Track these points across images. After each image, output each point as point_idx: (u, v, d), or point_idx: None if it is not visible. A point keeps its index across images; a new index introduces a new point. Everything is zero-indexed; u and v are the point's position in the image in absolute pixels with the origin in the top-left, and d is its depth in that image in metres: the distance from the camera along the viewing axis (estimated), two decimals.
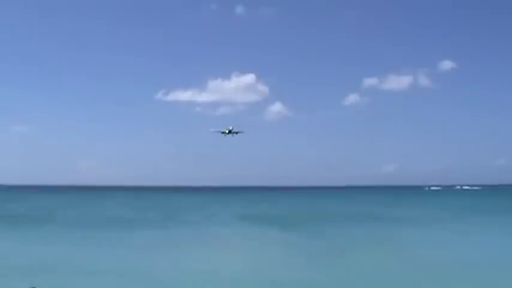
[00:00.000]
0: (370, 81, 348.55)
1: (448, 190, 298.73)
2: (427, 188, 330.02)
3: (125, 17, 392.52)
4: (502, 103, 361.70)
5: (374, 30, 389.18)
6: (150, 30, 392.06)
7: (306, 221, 77.36)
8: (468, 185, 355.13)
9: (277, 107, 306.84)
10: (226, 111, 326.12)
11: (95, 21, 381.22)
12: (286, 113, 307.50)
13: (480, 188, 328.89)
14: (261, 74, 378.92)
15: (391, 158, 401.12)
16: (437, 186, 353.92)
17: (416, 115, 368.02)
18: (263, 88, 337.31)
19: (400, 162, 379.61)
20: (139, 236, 58.01)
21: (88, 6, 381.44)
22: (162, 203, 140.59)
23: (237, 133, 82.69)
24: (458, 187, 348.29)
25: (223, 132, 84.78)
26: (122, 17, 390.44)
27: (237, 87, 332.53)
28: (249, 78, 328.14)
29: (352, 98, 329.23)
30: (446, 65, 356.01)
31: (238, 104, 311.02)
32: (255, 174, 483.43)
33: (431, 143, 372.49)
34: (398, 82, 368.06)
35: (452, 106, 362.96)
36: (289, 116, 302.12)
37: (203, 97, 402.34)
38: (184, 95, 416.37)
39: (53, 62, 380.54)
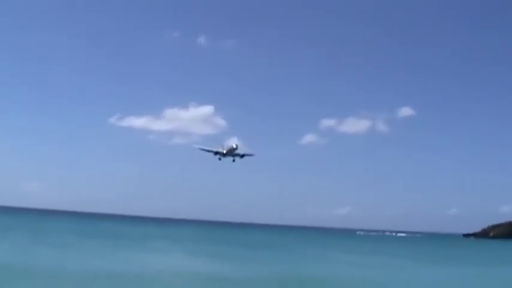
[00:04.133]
0: (328, 122, 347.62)
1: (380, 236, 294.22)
2: (359, 233, 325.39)
3: (86, 36, 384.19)
4: (459, 152, 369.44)
5: (336, 71, 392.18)
6: (109, 52, 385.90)
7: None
8: (405, 232, 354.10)
9: (233, 142, 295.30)
10: (180, 142, 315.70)
11: (54, 37, 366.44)
12: (241, 149, 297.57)
13: (420, 235, 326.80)
14: (219, 107, 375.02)
15: (345, 200, 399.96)
16: (372, 231, 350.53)
17: (372, 159, 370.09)
18: (220, 121, 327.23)
19: (354, 206, 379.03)
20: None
21: (49, 22, 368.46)
22: (105, 232, 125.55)
23: (242, 156, 68.57)
24: (388, 233, 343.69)
25: (217, 153, 71.52)
26: (82, 36, 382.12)
27: (194, 118, 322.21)
28: (207, 110, 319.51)
29: (309, 138, 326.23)
30: (405, 111, 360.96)
31: (194, 135, 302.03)
32: (208, 208, 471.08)
33: (386, 188, 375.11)
34: (356, 125, 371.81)
35: (408, 153, 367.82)
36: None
37: (158, 125, 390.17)
38: (138, 121, 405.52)
39: (4, 77, 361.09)
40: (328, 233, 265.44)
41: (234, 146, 67.14)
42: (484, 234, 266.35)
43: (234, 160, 67.94)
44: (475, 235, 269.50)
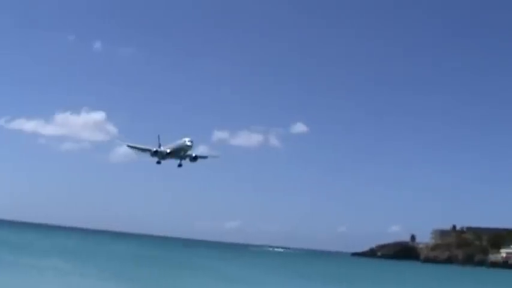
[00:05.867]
0: (220, 134, 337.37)
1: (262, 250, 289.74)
2: (252, 249, 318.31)
3: None
4: (350, 170, 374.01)
5: (231, 83, 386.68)
6: (1, 51, 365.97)
7: None
8: (293, 249, 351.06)
9: (123, 149, 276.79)
10: (71, 147, 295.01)
11: None
12: (133, 157, 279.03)
13: (293, 251, 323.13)
14: (111, 114, 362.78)
15: (235, 214, 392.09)
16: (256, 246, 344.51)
17: (263, 174, 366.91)
18: (112, 128, 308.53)
19: (244, 220, 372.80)
20: None
21: None
22: None
23: (195, 159, 54.37)
24: (270, 248, 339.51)
25: (156, 153, 57.51)
26: None
27: (86, 124, 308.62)
28: (99, 116, 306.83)
29: (201, 149, 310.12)
30: (299, 127, 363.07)
31: (85, 141, 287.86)
32: (97, 216, 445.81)
33: (276, 203, 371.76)
34: (249, 139, 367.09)
35: (300, 169, 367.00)
36: (135, 160, 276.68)
37: (48, 129, 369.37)
38: (29, 125, 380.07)
39: None
40: (216, 247, 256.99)
41: (188, 143, 52.05)
42: (371, 253, 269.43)
43: (180, 165, 54.19)
44: (364, 254, 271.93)
